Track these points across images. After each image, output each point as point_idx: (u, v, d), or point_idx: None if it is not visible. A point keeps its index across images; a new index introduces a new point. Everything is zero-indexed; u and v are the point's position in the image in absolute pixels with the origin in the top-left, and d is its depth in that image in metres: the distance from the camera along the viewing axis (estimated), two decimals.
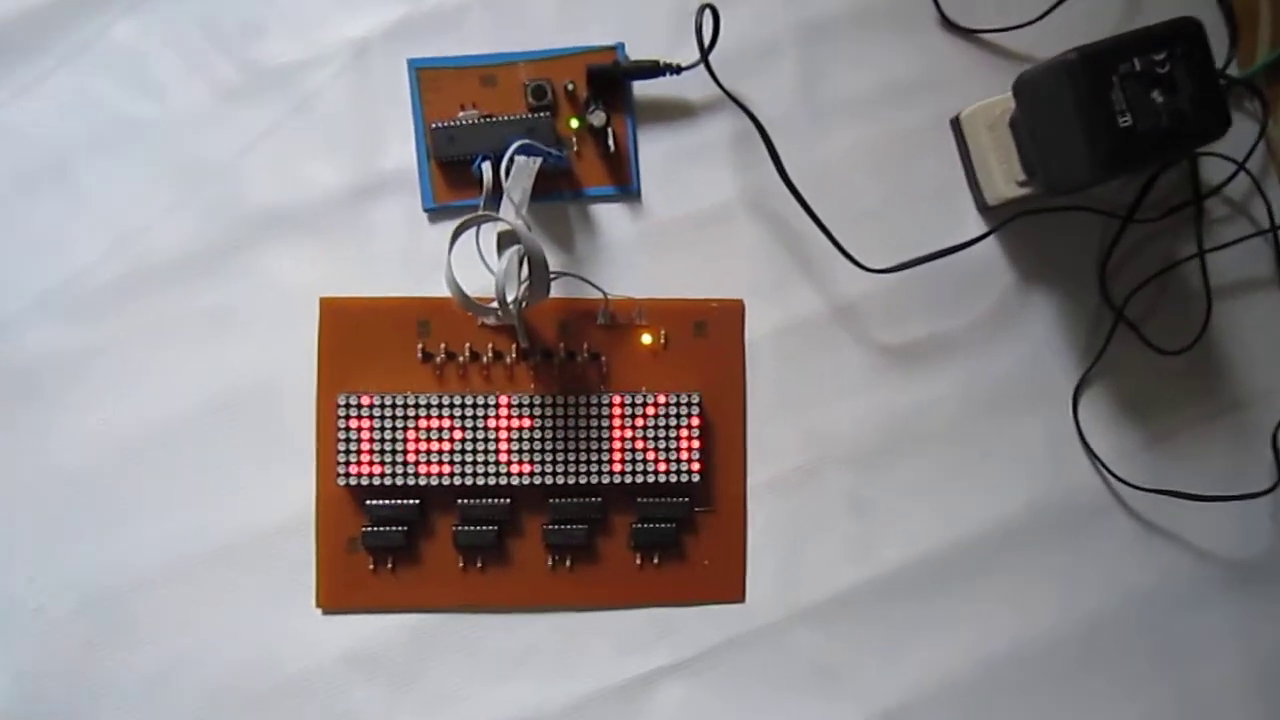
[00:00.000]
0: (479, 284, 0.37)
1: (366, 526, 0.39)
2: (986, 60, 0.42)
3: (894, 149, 0.42)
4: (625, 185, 0.41)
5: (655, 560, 0.41)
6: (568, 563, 0.40)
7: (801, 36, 0.42)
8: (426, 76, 0.40)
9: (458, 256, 0.36)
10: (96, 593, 0.39)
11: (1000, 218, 0.41)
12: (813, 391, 0.41)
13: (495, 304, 0.36)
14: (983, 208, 0.41)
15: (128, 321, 0.40)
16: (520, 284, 0.37)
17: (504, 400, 0.39)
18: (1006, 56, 0.42)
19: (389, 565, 0.40)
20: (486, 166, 0.39)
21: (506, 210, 0.37)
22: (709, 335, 0.41)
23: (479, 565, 0.40)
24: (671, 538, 0.40)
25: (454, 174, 0.41)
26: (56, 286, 0.40)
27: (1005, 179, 0.40)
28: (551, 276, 0.37)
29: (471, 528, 0.40)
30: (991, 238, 0.41)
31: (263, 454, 0.40)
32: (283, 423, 0.40)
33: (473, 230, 0.38)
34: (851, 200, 0.41)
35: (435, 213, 0.41)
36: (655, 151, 0.41)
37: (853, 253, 0.40)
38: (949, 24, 0.42)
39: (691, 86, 0.41)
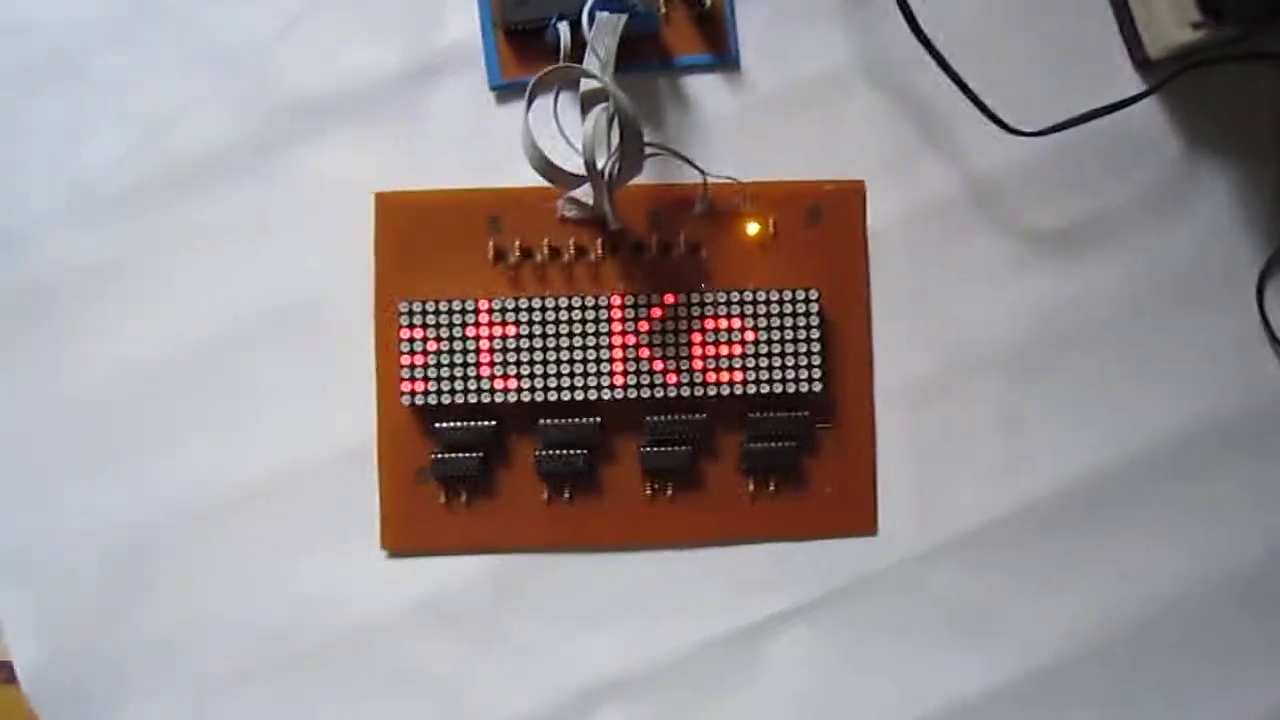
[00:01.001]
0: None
1: (436, 453, 0.34)
2: None
3: None
4: (722, 53, 0.35)
5: (771, 487, 0.35)
6: (668, 491, 0.34)
7: None
8: None
9: (534, 133, 0.30)
10: (124, 538, 0.34)
11: (1163, 74, 0.35)
12: (948, 285, 0.35)
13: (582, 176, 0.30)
14: (1141, 62, 0.35)
15: (153, 229, 0.35)
16: (611, 152, 0.31)
17: (589, 302, 0.33)
18: None
19: (462, 498, 0.34)
20: (564, 27, 0.33)
21: (591, 65, 0.31)
22: (824, 222, 0.35)
23: (566, 496, 0.34)
24: (790, 459, 0.34)
25: (524, 46, 0.35)
26: (70, 192, 0.35)
27: (1176, 21, 0.33)
28: (645, 153, 0.32)
29: (557, 452, 0.34)
30: (1154, 98, 0.35)
31: (313, 374, 0.35)
32: (335, 337, 0.35)
33: (549, 100, 0.32)
34: (981, 58, 0.34)
35: (503, 91, 0.35)
36: (755, 12, 0.35)
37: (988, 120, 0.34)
38: None
39: None
